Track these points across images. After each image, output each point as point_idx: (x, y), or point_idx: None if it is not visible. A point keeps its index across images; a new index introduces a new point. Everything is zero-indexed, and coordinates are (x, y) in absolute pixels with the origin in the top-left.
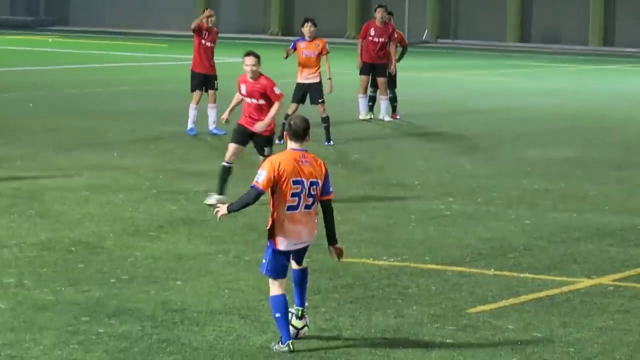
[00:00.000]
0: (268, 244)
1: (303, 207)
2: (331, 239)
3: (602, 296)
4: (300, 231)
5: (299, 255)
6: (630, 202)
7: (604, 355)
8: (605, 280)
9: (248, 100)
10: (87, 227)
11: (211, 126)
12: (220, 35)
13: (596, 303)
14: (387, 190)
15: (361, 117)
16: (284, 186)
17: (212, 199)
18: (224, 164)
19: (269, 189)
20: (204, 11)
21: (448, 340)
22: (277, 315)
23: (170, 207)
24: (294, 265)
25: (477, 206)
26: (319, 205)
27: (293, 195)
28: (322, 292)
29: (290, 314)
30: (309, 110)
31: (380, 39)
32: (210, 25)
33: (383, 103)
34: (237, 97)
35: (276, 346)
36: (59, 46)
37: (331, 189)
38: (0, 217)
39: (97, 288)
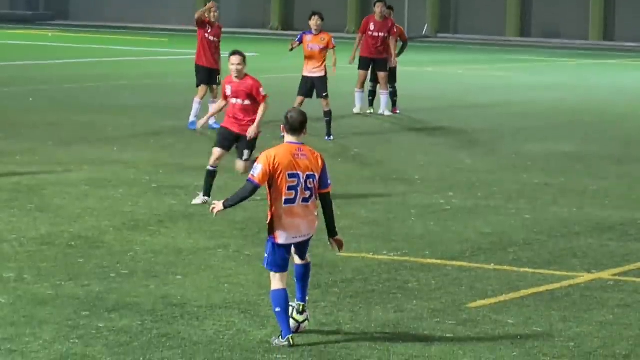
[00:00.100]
0: (268, 238)
1: (301, 200)
2: (331, 231)
3: (602, 291)
4: (300, 224)
5: (301, 249)
6: (631, 197)
7: (604, 349)
8: (605, 274)
9: (233, 101)
10: (87, 222)
11: (211, 121)
12: (222, 30)
13: (596, 297)
14: (387, 184)
15: (355, 110)
16: (279, 179)
17: (198, 199)
18: (209, 168)
19: (266, 183)
20: (206, 4)
21: (448, 335)
22: (278, 309)
23: (170, 201)
24: (296, 260)
25: (477, 201)
26: (319, 198)
27: (290, 188)
28: (322, 287)
29: (291, 308)
30: (311, 105)
31: (380, 34)
32: (213, 20)
33: (383, 97)
34: (219, 103)
35: (276, 340)
36: (59, 40)
37: (329, 181)
38: (0, 212)
39: (97, 282)
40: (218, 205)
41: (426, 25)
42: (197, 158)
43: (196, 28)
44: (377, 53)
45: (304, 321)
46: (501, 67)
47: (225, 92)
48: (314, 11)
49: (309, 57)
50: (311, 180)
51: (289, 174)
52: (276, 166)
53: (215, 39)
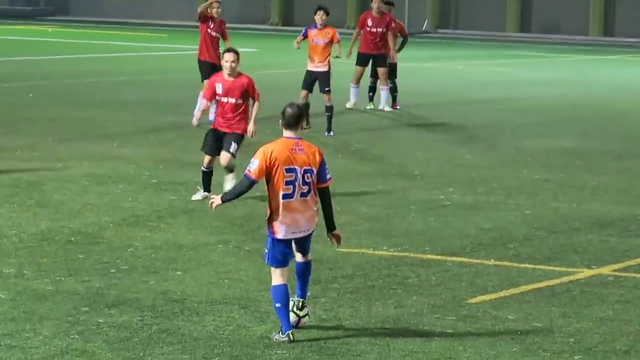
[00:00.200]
0: (268, 233)
1: (299, 195)
2: (329, 226)
3: (602, 286)
4: (298, 219)
5: (303, 246)
6: (630, 192)
7: (604, 345)
8: (606, 270)
9: (224, 99)
10: (87, 217)
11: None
12: (225, 25)
13: (596, 293)
14: (387, 180)
15: (348, 105)
16: (276, 174)
17: (199, 195)
18: (203, 169)
19: (264, 178)
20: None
21: (448, 331)
22: (278, 305)
23: (170, 197)
24: (297, 257)
25: (477, 196)
26: (317, 192)
27: (287, 183)
28: (322, 283)
29: (291, 302)
30: (311, 100)
31: (378, 29)
32: (215, 15)
33: (383, 93)
34: (203, 103)
35: (276, 336)
36: (59, 36)
37: (328, 176)
38: (0, 207)
39: (97, 278)
40: (217, 200)
41: (426, 21)
42: (197, 154)
43: (198, 23)
44: (376, 49)
45: (304, 316)
46: (501, 63)
47: (213, 91)
48: (320, 5)
49: (313, 52)
50: (309, 175)
51: (286, 169)
52: (273, 161)
53: (217, 35)
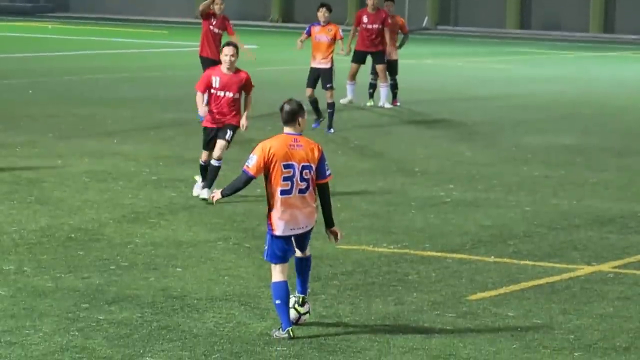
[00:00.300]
0: (267, 229)
1: (297, 191)
2: (328, 222)
3: (602, 283)
4: (297, 215)
5: (301, 242)
6: (630, 189)
7: (603, 342)
8: (606, 267)
9: (220, 93)
10: (86, 214)
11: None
12: (229, 22)
13: (596, 290)
14: (387, 177)
15: (342, 101)
16: (274, 170)
17: (198, 186)
18: (201, 163)
19: (263, 174)
20: None
21: (448, 327)
22: (278, 301)
23: (170, 194)
24: (297, 253)
25: (477, 193)
26: (316, 188)
27: (285, 179)
28: (322, 279)
29: (292, 299)
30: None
31: (374, 26)
32: (218, 12)
33: (383, 90)
34: (199, 96)
35: (276, 332)
36: (59, 33)
37: (328, 172)
38: (0, 204)
39: (97, 275)
40: (217, 194)
41: (426, 18)
42: (197, 150)
43: (200, 20)
44: (373, 46)
45: (305, 313)
46: (501, 60)
47: (209, 84)
48: (322, 2)
49: (316, 49)
50: (307, 171)
51: (284, 165)
52: (271, 157)
53: (219, 31)
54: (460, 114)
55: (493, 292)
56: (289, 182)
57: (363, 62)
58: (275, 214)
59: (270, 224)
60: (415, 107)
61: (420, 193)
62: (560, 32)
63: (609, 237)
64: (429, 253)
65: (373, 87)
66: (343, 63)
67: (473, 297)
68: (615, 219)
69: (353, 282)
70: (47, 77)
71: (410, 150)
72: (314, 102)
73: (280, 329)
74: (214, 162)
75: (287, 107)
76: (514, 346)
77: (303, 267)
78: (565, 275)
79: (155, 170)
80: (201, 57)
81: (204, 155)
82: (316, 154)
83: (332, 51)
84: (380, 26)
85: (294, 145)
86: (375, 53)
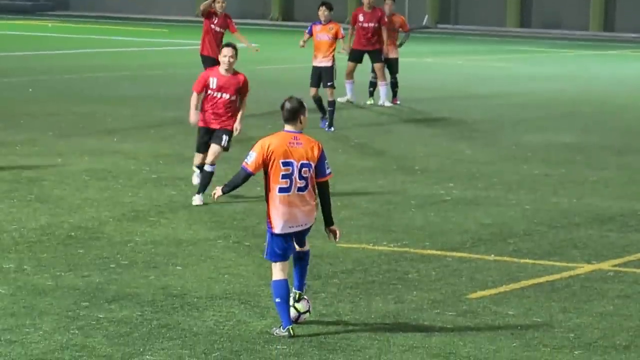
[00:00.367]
0: (267, 227)
1: (296, 189)
2: (327, 221)
3: (602, 281)
4: (296, 214)
5: (300, 237)
6: (630, 188)
7: (604, 340)
8: (606, 265)
9: (217, 95)
10: (87, 212)
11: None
12: (231, 19)
13: (596, 288)
14: (387, 175)
15: (340, 99)
16: (273, 167)
17: (197, 199)
18: (196, 167)
19: (263, 171)
20: None
21: (448, 326)
22: (278, 300)
23: (170, 192)
24: (295, 247)
25: (477, 191)
26: (316, 187)
27: (284, 176)
28: (322, 278)
29: (291, 296)
30: (310, 96)
31: (370, 24)
32: (220, 10)
33: (382, 89)
34: (194, 97)
35: (276, 331)
36: (59, 31)
37: (328, 170)
38: (0, 202)
39: (97, 273)
40: (218, 191)
41: (426, 16)
42: None
43: (200, 19)
44: (369, 44)
45: (305, 312)
46: (501, 58)
47: (206, 85)
48: (322, 1)
49: (317, 47)
50: (306, 169)
51: (282, 162)
52: (270, 154)
53: (221, 30)
54: (461, 113)
55: (493, 291)
56: (288, 180)
57: (360, 60)
58: (274, 211)
59: (269, 222)
60: (416, 105)
61: (420, 191)
62: (560, 31)
63: (609, 235)
64: (429, 251)
65: (373, 85)
66: (344, 62)
67: (473, 295)
68: (615, 217)
69: (353, 280)
70: (47, 75)
71: (410, 148)
72: (318, 100)
73: (281, 327)
74: (207, 168)
75: (288, 105)
76: (514, 344)
77: (301, 262)
78: (565, 274)
79: (156, 169)
80: (202, 55)
81: (197, 158)
82: (316, 152)
83: (334, 50)
84: (376, 25)
85: (293, 143)
86: (372, 52)
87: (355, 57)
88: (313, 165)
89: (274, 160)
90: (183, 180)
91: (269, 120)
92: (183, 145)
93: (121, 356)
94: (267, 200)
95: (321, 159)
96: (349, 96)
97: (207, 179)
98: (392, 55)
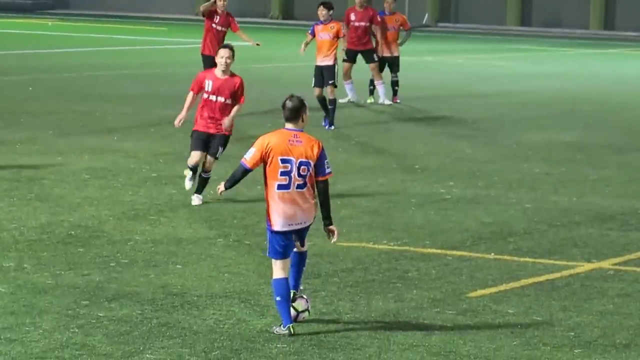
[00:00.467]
0: (266, 225)
1: (295, 187)
2: (325, 220)
3: (603, 280)
4: (295, 211)
5: (299, 237)
6: (631, 186)
7: (604, 339)
8: (606, 264)
9: (212, 98)
10: (87, 211)
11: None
12: (232, 18)
13: (596, 287)
14: (387, 174)
15: (341, 100)
16: (272, 164)
17: (195, 199)
18: (191, 166)
19: (262, 168)
20: None
21: (448, 324)
22: (278, 298)
23: (170, 190)
24: (297, 247)
25: (478, 190)
26: (315, 185)
27: (282, 174)
28: (322, 276)
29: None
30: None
31: (362, 24)
32: (222, 9)
33: (380, 88)
34: (190, 97)
35: (277, 329)
36: (59, 30)
37: (328, 169)
38: (0, 201)
39: (97, 272)
40: (221, 187)
41: (427, 15)
42: None
43: (202, 18)
44: (361, 44)
45: (303, 311)
46: (502, 57)
47: (202, 87)
48: (322, 1)
49: (319, 47)
50: (305, 167)
51: (281, 159)
52: (269, 151)
53: (222, 29)
54: (461, 111)
55: (493, 289)
56: (287, 177)
57: (354, 60)
58: (273, 209)
59: (268, 220)
60: (416, 104)
61: (420, 190)
62: (560, 29)
63: (609, 234)
64: (429, 250)
65: (373, 83)
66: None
67: (473, 294)
68: (615, 216)
69: (353, 279)
70: (47, 73)
71: (410, 147)
72: (322, 100)
73: (281, 326)
74: (203, 175)
75: (289, 104)
76: (514, 343)
77: (298, 262)
78: (565, 272)
79: (156, 167)
80: (203, 55)
81: (193, 158)
82: (316, 150)
83: (335, 48)
84: (368, 24)
85: (293, 141)
86: (364, 52)
87: (350, 57)
88: (312, 163)
89: (273, 157)
90: (183, 179)
91: (269, 119)
92: (183, 144)
93: (121, 355)
94: (266, 197)
95: (321, 157)
96: (349, 96)
97: (204, 183)
98: (393, 54)
